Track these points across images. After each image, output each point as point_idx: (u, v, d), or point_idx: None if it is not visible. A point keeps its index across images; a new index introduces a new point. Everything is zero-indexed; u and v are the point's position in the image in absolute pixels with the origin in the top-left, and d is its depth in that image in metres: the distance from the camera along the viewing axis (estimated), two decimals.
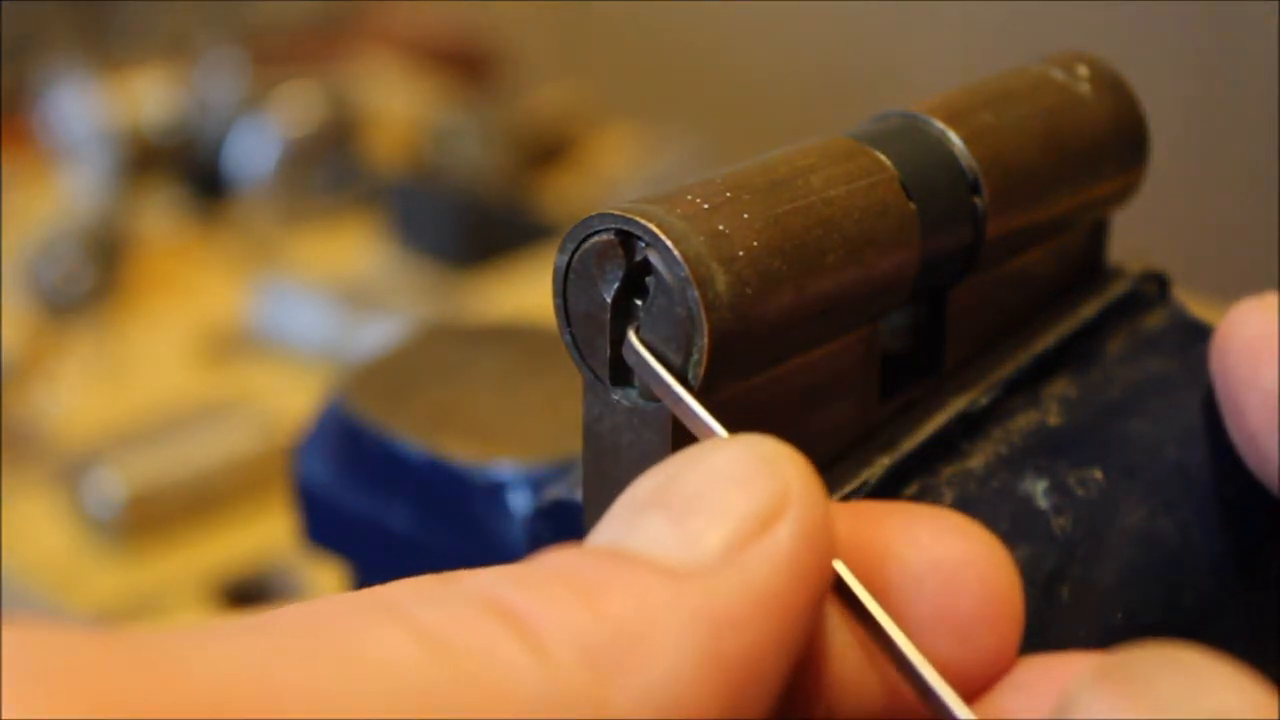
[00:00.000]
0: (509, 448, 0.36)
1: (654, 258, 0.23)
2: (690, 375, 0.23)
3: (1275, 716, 0.18)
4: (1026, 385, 0.30)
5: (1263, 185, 1.08)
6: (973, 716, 0.21)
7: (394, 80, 1.20)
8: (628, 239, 0.24)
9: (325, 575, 0.49)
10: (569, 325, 0.25)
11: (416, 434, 0.37)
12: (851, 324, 0.26)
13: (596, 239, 0.24)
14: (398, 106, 1.15)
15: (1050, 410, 0.29)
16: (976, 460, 0.28)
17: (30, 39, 1.14)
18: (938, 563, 0.21)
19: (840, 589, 0.22)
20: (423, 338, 0.44)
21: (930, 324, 0.29)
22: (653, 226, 0.23)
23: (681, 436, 0.24)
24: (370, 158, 1.06)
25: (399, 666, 0.17)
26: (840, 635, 0.21)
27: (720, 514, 0.19)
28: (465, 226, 0.96)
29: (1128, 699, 0.18)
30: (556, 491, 0.29)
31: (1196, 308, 0.33)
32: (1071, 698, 0.18)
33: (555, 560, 0.19)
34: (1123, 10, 1.12)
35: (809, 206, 0.25)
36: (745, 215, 0.24)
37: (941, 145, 0.28)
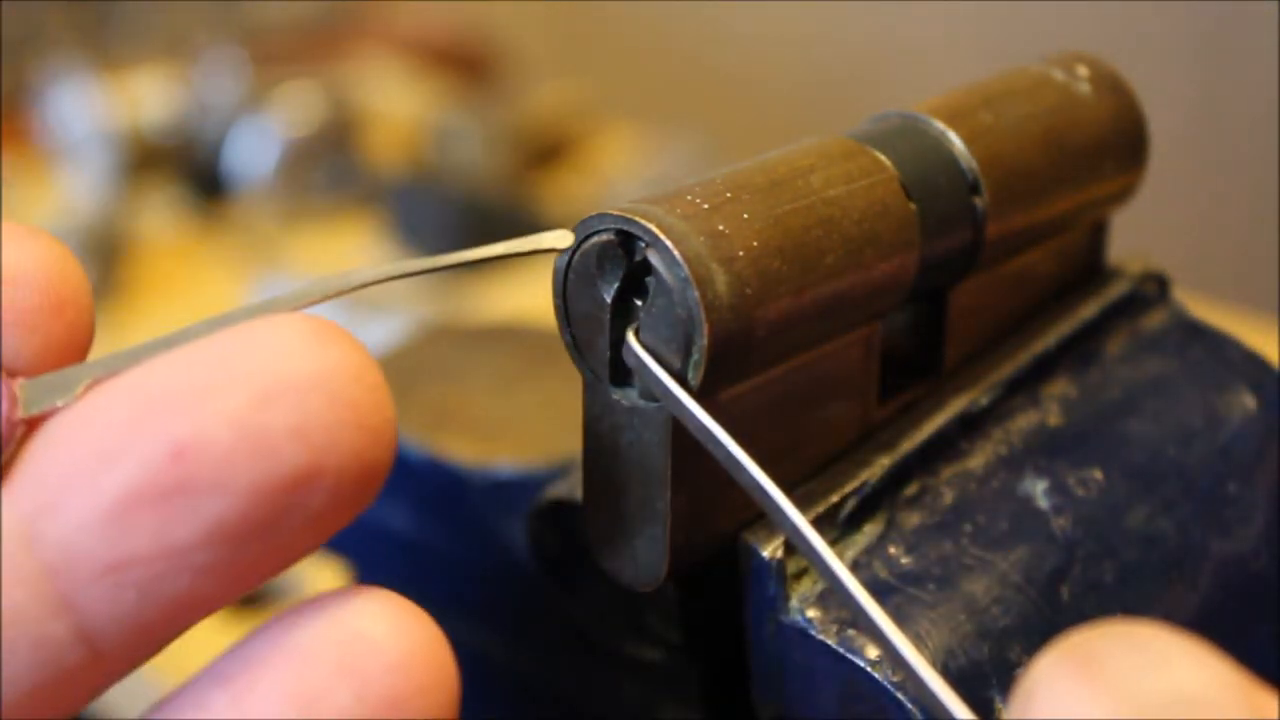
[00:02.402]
0: (509, 448, 0.36)
1: (654, 258, 0.23)
2: (690, 375, 0.23)
3: (1235, 692, 0.18)
4: (1026, 385, 0.30)
5: (1263, 185, 1.08)
6: (973, 716, 0.21)
7: (394, 80, 1.20)
8: (628, 239, 0.24)
9: (325, 575, 0.49)
10: (569, 325, 0.25)
11: (416, 434, 0.37)
12: (851, 324, 0.26)
13: (596, 239, 0.24)
14: (398, 106, 1.15)
15: (1050, 410, 0.29)
16: (976, 460, 0.28)
17: (30, 39, 1.14)
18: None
19: (840, 591, 0.22)
20: (423, 338, 0.44)
21: (930, 324, 0.29)
22: (653, 226, 0.23)
23: (681, 436, 0.24)
24: (370, 158, 1.06)
25: None
26: None
27: None
28: (465, 226, 0.96)
29: (1088, 677, 0.18)
30: (556, 491, 0.29)
31: (1196, 308, 0.33)
32: (1033, 678, 0.19)
33: None
34: (1123, 10, 1.12)
35: (809, 207, 0.25)
36: (745, 215, 0.24)
37: (941, 145, 0.28)
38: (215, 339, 0.21)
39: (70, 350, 0.22)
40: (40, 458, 0.20)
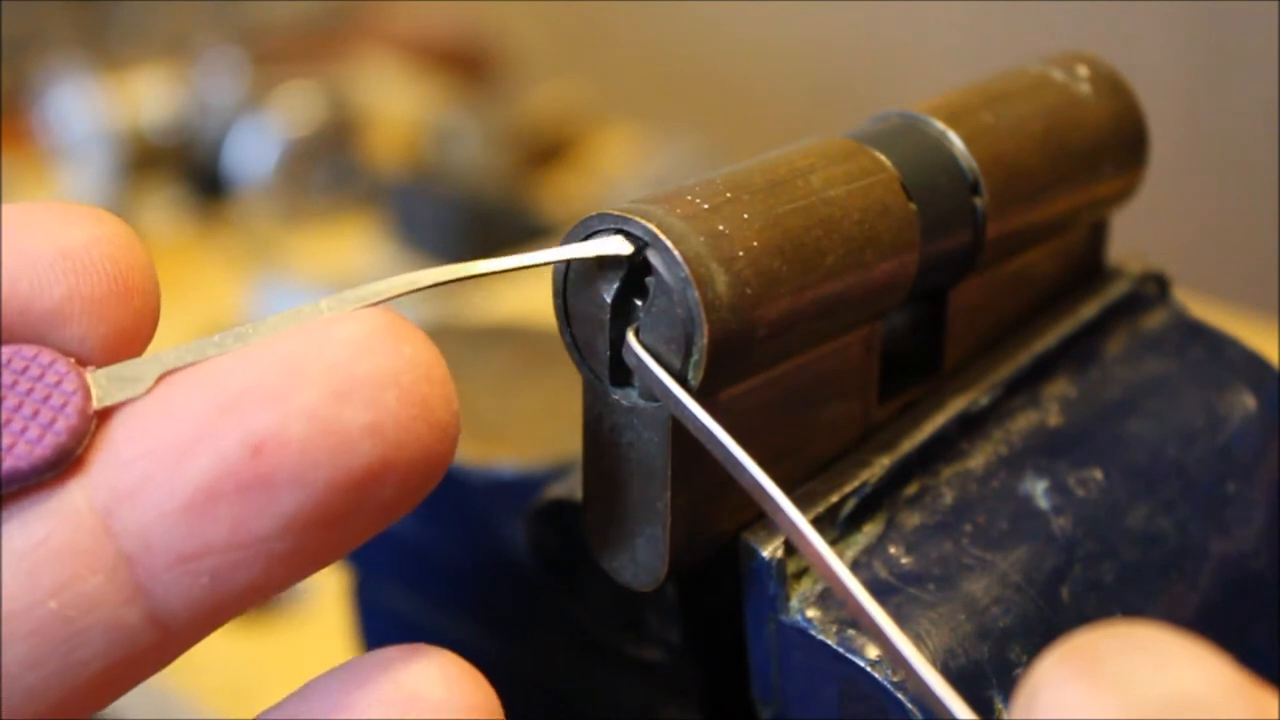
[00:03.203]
0: (509, 448, 0.36)
1: (654, 258, 0.23)
2: (690, 375, 0.23)
3: (1236, 692, 0.18)
4: (1026, 385, 0.30)
5: (1263, 185, 1.08)
6: (973, 716, 0.21)
7: (394, 80, 1.20)
8: (628, 239, 0.24)
9: (325, 575, 0.49)
10: (569, 325, 0.25)
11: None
12: (851, 324, 0.26)
13: (597, 239, 0.24)
14: (398, 106, 1.15)
15: (1050, 410, 0.29)
16: (976, 460, 0.28)
17: (30, 39, 1.14)
18: (66, 249, 0.21)
19: (840, 591, 0.22)
20: None
21: (930, 324, 0.29)
22: (653, 226, 0.23)
23: (681, 436, 0.24)
24: (370, 158, 1.06)
25: None
26: None
27: None
28: (465, 226, 0.96)
29: (1090, 678, 0.18)
30: (556, 491, 0.29)
31: (1196, 308, 0.33)
32: (1035, 679, 0.19)
33: None
34: (1123, 10, 1.12)
35: (809, 207, 0.25)
36: (745, 215, 0.24)
37: (941, 145, 0.28)
38: (290, 335, 0.21)
39: (137, 338, 0.22)
40: (117, 448, 0.21)
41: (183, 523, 0.20)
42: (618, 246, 0.24)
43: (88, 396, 0.21)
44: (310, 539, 0.20)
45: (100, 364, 0.21)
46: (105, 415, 0.21)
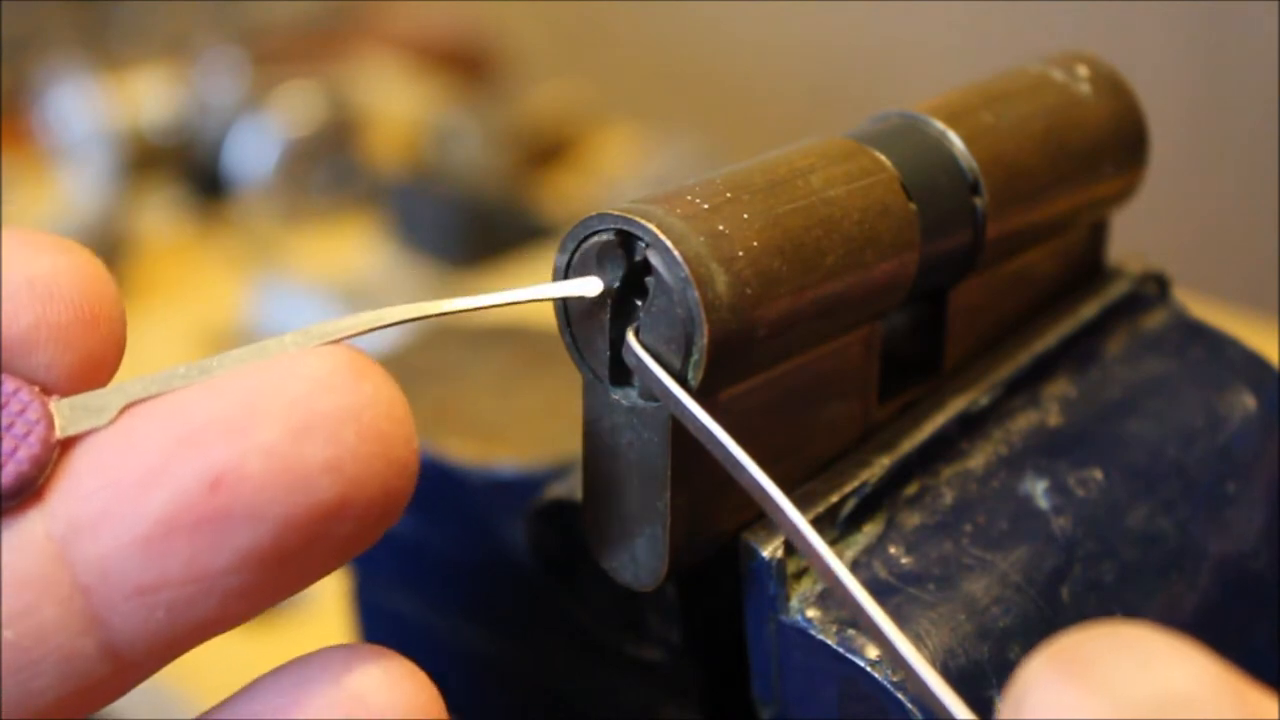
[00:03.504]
0: (509, 448, 0.36)
1: (654, 258, 0.23)
2: (690, 375, 0.23)
3: (1224, 691, 0.18)
4: (1026, 385, 0.30)
5: (1263, 185, 1.08)
6: (973, 716, 0.21)
7: (394, 80, 1.20)
8: (628, 239, 0.24)
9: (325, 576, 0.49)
10: (569, 325, 0.25)
11: (417, 434, 0.37)
12: (851, 324, 0.26)
13: (596, 239, 0.24)
14: (398, 106, 1.15)
15: (1050, 410, 0.29)
16: (976, 460, 0.28)
17: (30, 39, 1.14)
18: (33, 277, 0.21)
19: (840, 591, 0.22)
20: (423, 338, 0.44)
21: (930, 324, 0.29)
22: (653, 226, 0.23)
23: (681, 436, 0.24)
24: (370, 158, 1.06)
25: None
26: None
27: None
28: (465, 226, 0.96)
29: (1078, 679, 0.18)
30: (556, 491, 0.29)
31: (1196, 308, 0.33)
32: (1023, 680, 0.19)
33: None
34: (1123, 10, 1.12)
35: (809, 207, 0.25)
36: (745, 215, 0.24)
37: (941, 145, 0.28)
38: (253, 370, 0.21)
39: (104, 366, 0.22)
40: (77, 479, 0.21)
41: (140, 555, 0.20)
42: (588, 288, 0.24)
43: (51, 426, 0.21)
44: (267, 574, 0.21)
45: (66, 391, 0.21)
46: (68, 445, 0.21)
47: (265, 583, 0.21)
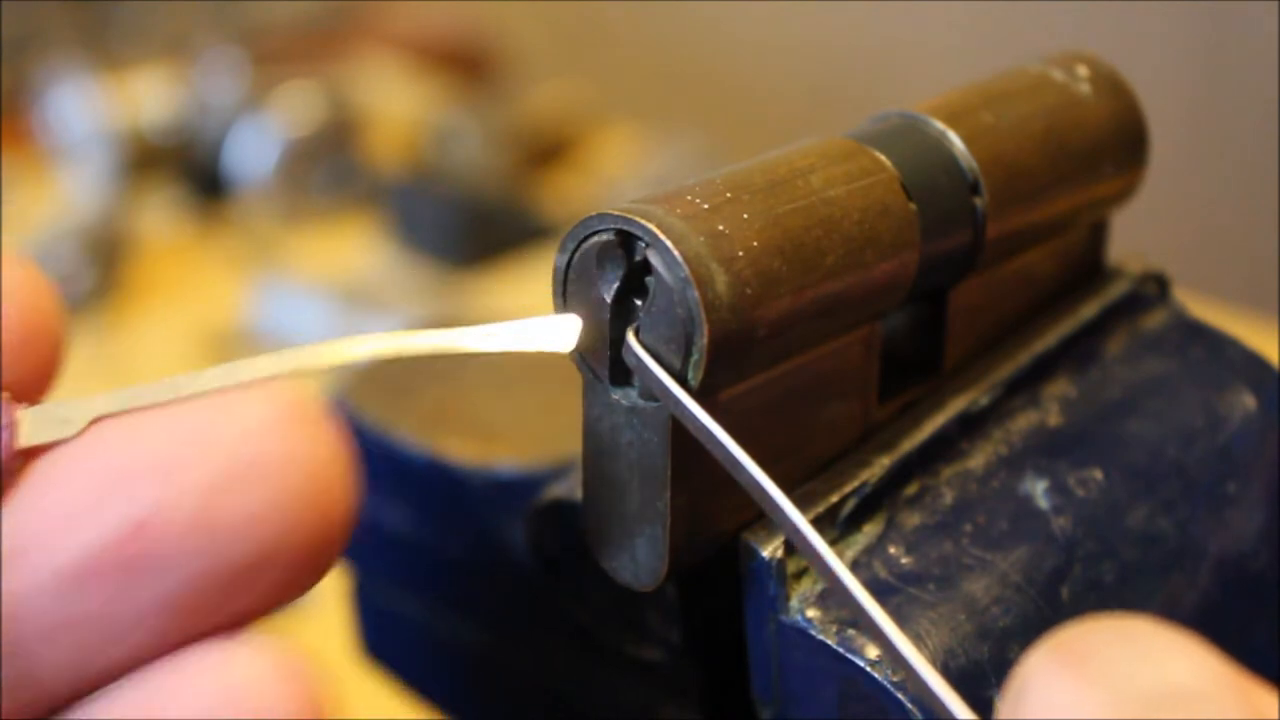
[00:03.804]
0: (509, 448, 0.36)
1: (654, 258, 0.23)
2: (690, 375, 0.23)
3: (1224, 684, 0.18)
4: (1026, 385, 0.30)
5: (1263, 185, 1.08)
6: (973, 716, 0.21)
7: (394, 80, 1.20)
8: (628, 239, 0.24)
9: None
10: None
11: (416, 434, 0.37)
12: (851, 324, 0.26)
13: (596, 239, 0.24)
14: (398, 106, 1.15)
15: (1050, 410, 0.29)
16: (976, 460, 0.28)
17: (30, 39, 1.14)
18: None
19: (840, 591, 0.22)
20: None
21: (930, 324, 0.29)
22: (653, 226, 0.23)
23: (681, 436, 0.24)
24: (370, 158, 1.06)
25: None
26: None
27: None
28: (465, 226, 0.96)
29: (1078, 672, 0.18)
30: (556, 491, 0.29)
31: (1196, 308, 0.33)
32: (1024, 673, 0.19)
33: None
34: (1123, 10, 1.12)
35: (809, 207, 0.25)
36: (745, 215, 0.24)
37: (941, 145, 0.28)
38: (196, 406, 0.21)
39: (42, 383, 0.22)
40: (21, 504, 0.21)
41: (59, 592, 0.20)
42: (567, 330, 0.24)
43: (13, 434, 0.21)
44: (189, 619, 0.21)
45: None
46: (32, 454, 0.21)
47: (188, 625, 0.21)
